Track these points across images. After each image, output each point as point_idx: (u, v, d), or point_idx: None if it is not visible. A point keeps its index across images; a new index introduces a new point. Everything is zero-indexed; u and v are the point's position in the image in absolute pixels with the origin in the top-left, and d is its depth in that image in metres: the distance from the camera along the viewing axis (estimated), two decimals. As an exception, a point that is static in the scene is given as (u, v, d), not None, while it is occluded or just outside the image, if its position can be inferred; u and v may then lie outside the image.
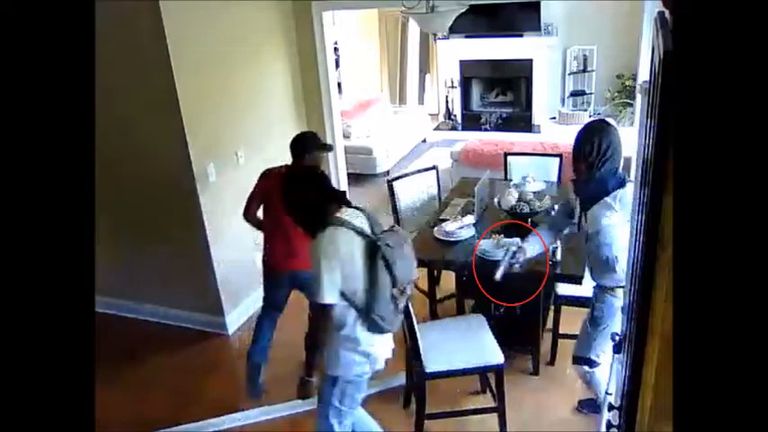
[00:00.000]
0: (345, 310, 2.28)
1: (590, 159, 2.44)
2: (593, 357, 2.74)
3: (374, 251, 2.21)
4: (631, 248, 1.96)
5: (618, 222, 2.46)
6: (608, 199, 2.46)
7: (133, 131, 3.60)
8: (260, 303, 3.48)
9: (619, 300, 2.57)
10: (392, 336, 2.49)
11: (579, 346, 2.81)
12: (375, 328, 2.31)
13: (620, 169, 2.53)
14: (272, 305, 3.38)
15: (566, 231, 2.96)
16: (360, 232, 2.24)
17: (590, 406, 3.05)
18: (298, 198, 2.33)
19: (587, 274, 2.81)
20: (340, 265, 2.19)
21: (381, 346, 2.42)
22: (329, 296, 2.19)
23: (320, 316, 2.28)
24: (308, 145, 3.14)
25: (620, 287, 2.53)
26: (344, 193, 2.55)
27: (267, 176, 3.21)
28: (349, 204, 2.39)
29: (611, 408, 1.80)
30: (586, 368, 2.78)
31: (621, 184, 2.49)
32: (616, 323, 2.63)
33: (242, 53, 3.99)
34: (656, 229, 1.20)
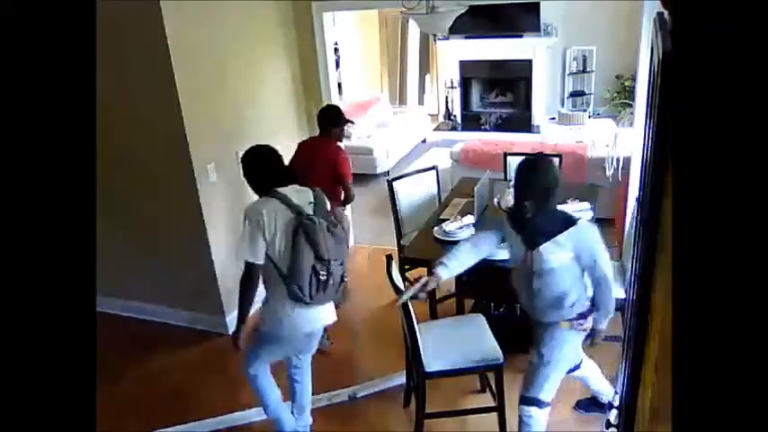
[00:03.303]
0: (274, 272, 2.52)
1: (531, 196, 2.34)
2: (541, 398, 2.57)
3: (297, 225, 2.44)
4: (632, 249, 1.97)
5: (569, 261, 2.38)
6: (559, 238, 2.34)
7: (133, 132, 3.61)
8: (260, 303, 3.48)
9: (566, 331, 2.51)
10: (329, 310, 2.72)
11: (527, 384, 2.62)
12: (294, 296, 2.52)
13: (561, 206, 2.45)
14: None
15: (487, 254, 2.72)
16: (289, 205, 2.48)
17: (587, 406, 3.07)
18: (252, 169, 2.61)
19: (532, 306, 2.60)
20: (261, 231, 2.45)
21: (308, 314, 2.63)
22: (249, 255, 2.48)
23: (245, 272, 2.53)
24: (331, 118, 3.63)
25: (567, 320, 2.49)
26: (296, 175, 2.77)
27: (301, 144, 3.79)
28: (296, 183, 2.63)
29: (610, 407, 1.81)
30: (533, 409, 2.58)
31: (571, 222, 2.36)
32: (567, 357, 2.58)
33: (242, 53, 3.99)
34: (656, 230, 1.20)
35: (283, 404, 2.93)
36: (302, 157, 3.69)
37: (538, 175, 2.37)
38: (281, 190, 2.53)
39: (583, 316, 2.50)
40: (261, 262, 2.49)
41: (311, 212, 2.51)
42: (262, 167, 2.60)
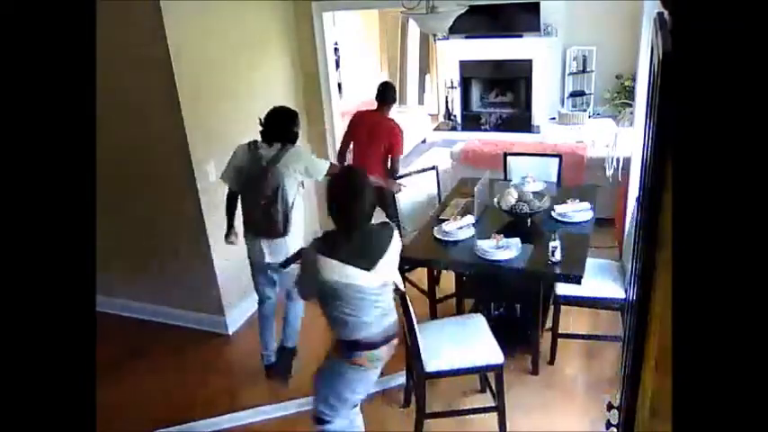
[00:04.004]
0: None
1: (350, 210, 2.23)
2: (327, 417, 2.50)
3: (247, 167, 3.10)
4: (631, 249, 1.97)
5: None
6: (393, 244, 2.29)
7: (133, 131, 3.61)
8: None
9: (364, 368, 2.37)
10: (274, 249, 3.18)
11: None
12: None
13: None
14: None
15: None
16: (252, 152, 3.12)
17: None
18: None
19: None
20: (230, 162, 3.19)
21: (255, 245, 3.23)
22: (222, 175, 3.24)
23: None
24: (388, 96, 4.27)
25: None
26: (288, 135, 3.17)
27: (356, 117, 4.38)
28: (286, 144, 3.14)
29: (610, 407, 1.80)
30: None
31: (387, 224, 2.32)
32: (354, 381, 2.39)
33: (242, 53, 3.99)
34: (656, 230, 1.20)
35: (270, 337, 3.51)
36: (364, 127, 4.26)
37: (340, 190, 2.25)
38: (260, 142, 3.15)
39: (354, 346, 2.33)
40: (226, 183, 3.21)
41: (264, 164, 3.05)
42: (264, 121, 3.14)
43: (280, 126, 3.13)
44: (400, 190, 4.11)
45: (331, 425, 2.51)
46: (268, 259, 3.22)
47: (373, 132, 4.21)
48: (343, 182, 2.31)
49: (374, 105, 4.38)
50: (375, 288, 2.26)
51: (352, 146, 4.34)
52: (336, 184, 2.33)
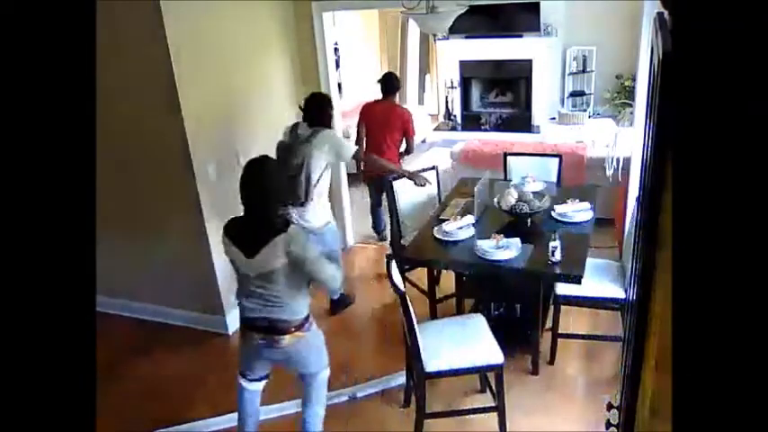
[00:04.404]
0: None
1: (256, 198, 2.36)
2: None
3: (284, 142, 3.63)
4: (632, 249, 1.96)
5: (285, 262, 2.39)
6: (278, 240, 2.33)
7: (133, 132, 3.61)
8: None
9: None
10: (308, 214, 3.67)
11: None
12: None
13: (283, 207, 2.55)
14: (376, 202, 4.90)
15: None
16: (291, 131, 3.61)
17: None
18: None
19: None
20: (281, 140, 3.66)
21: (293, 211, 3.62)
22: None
23: None
24: (394, 85, 4.61)
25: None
26: (323, 118, 3.60)
27: (365, 108, 4.69)
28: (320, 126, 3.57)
29: (610, 407, 1.80)
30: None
31: (287, 224, 2.39)
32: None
33: (242, 53, 3.99)
34: (656, 230, 1.20)
35: None
36: (376, 117, 4.57)
37: (250, 179, 2.37)
38: (301, 123, 3.60)
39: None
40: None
41: (298, 141, 3.50)
42: (304, 105, 3.61)
43: (315, 109, 3.57)
44: (424, 184, 4.16)
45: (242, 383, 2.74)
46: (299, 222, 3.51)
47: (384, 120, 4.51)
48: (245, 169, 2.41)
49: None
50: (255, 276, 2.43)
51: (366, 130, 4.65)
52: (243, 170, 2.41)
